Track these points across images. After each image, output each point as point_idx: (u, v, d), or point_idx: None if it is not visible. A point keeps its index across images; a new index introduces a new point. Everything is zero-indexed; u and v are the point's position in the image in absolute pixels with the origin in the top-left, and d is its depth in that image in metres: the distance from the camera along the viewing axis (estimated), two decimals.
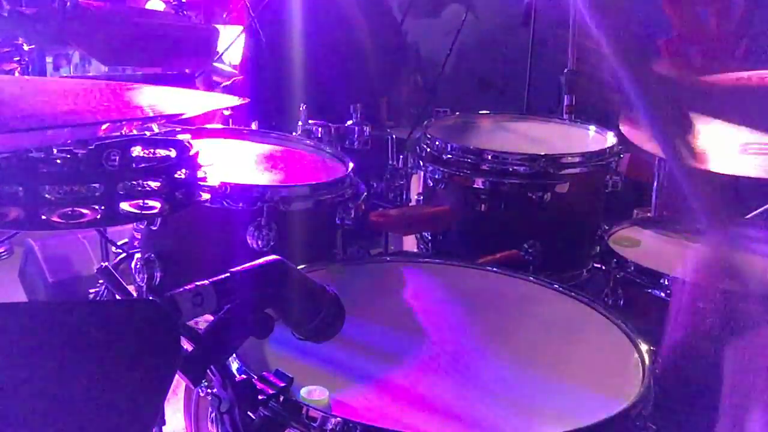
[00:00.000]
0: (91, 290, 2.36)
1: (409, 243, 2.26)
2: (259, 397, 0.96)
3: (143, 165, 1.15)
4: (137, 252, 1.73)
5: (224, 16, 3.32)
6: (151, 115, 1.01)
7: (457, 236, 1.93)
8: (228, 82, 2.81)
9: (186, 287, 0.88)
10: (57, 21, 1.83)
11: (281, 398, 0.98)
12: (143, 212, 1.11)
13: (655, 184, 2.22)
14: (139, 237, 1.77)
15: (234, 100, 1.13)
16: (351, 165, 1.77)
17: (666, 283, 1.53)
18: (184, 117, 1.13)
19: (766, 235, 1.79)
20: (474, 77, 4.10)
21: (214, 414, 0.95)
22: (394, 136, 2.09)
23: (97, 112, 0.92)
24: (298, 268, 1.34)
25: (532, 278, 1.48)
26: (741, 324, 1.44)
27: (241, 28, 2.92)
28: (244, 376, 0.98)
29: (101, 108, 0.94)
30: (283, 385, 0.98)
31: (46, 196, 1.05)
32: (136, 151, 1.16)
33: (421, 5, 4.01)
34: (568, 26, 2.64)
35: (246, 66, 2.84)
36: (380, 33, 3.31)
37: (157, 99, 1.08)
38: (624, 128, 1.75)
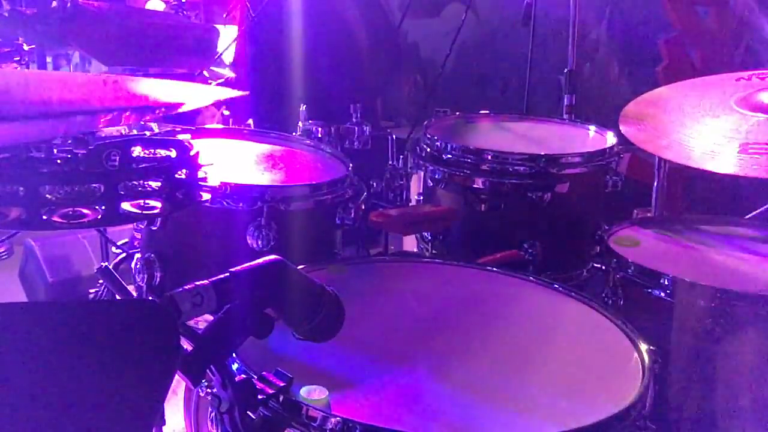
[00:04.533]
0: (91, 290, 2.36)
1: (409, 243, 2.26)
2: (259, 397, 0.96)
3: (143, 165, 1.15)
4: (137, 252, 1.73)
5: (224, 16, 3.32)
6: (154, 104, 1.01)
7: (457, 236, 1.93)
8: (221, 80, 2.81)
9: (186, 287, 0.88)
10: (57, 21, 1.82)
11: (281, 398, 0.98)
12: (144, 212, 1.11)
13: (655, 184, 2.22)
14: (139, 237, 1.77)
15: (233, 93, 1.13)
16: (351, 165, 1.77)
17: (666, 283, 1.53)
18: (185, 108, 1.13)
19: (766, 235, 1.79)
20: (474, 77, 4.11)
21: (214, 414, 0.95)
22: (394, 136, 2.10)
23: (103, 100, 0.92)
24: (298, 268, 1.34)
25: (532, 278, 1.48)
26: (739, 324, 1.44)
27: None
28: (243, 376, 0.98)
29: (106, 97, 0.94)
30: (282, 384, 0.98)
31: (47, 196, 1.05)
32: (137, 151, 1.16)
33: (421, 5, 4.01)
34: (569, 26, 2.63)
35: (239, 64, 2.84)
36: (377, 33, 3.31)
37: (157, 91, 1.08)
38: (624, 128, 1.75)
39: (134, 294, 1.60)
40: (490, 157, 1.84)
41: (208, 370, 0.91)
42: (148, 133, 1.61)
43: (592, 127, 2.16)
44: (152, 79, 1.15)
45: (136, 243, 1.91)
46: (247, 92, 1.15)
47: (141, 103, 0.98)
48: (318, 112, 2.13)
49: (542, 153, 1.83)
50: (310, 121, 2.07)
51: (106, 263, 2.26)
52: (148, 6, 3.22)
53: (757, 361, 1.34)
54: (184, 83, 1.17)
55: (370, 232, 1.93)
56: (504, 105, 3.88)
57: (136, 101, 0.97)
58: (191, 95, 1.12)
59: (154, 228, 1.61)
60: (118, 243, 2.24)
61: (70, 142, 1.06)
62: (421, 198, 2.08)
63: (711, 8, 3.11)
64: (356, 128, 2.08)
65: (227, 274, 0.92)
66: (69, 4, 1.83)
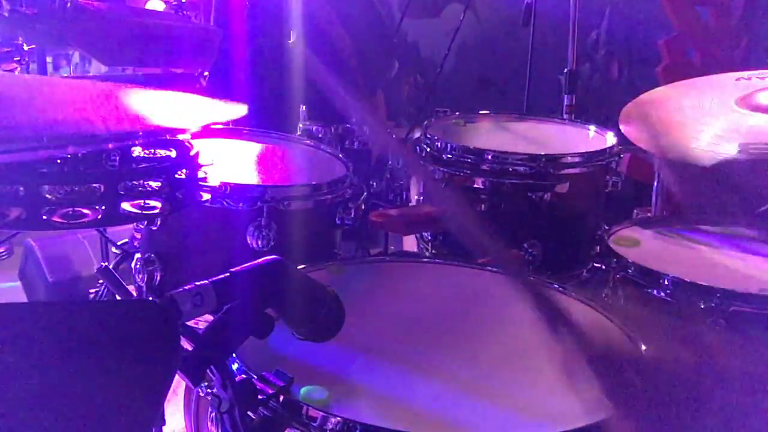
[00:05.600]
0: (91, 290, 2.36)
1: (409, 243, 2.26)
2: (259, 397, 0.96)
3: (144, 165, 1.15)
4: (137, 252, 1.74)
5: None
6: (156, 129, 1.01)
7: (457, 236, 1.93)
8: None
9: (186, 287, 0.88)
10: (57, 21, 1.82)
11: (281, 398, 0.98)
12: (144, 212, 1.11)
13: (655, 184, 2.22)
14: (139, 237, 1.77)
15: (236, 110, 1.13)
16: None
17: (666, 283, 1.53)
18: (189, 132, 1.13)
19: (766, 235, 1.79)
20: (474, 77, 4.11)
21: (214, 414, 0.95)
22: (394, 137, 2.10)
23: (105, 122, 0.92)
24: (298, 268, 1.34)
25: (532, 278, 1.48)
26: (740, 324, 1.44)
27: None
28: (243, 376, 0.98)
29: (107, 117, 0.95)
30: (282, 384, 0.98)
31: (47, 196, 1.05)
32: (137, 151, 1.16)
33: (421, 5, 4.01)
34: (568, 26, 2.63)
35: (239, 64, 2.83)
36: (372, 32, 3.31)
37: (157, 108, 1.08)
38: (624, 128, 1.75)
39: (134, 294, 1.60)
40: (490, 157, 1.84)
41: (208, 370, 0.91)
42: None
43: (592, 127, 2.16)
44: (151, 93, 1.15)
45: (136, 243, 1.90)
46: (246, 105, 1.15)
47: (142, 127, 0.98)
48: (318, 112, 2.13)
49: (542, 153, 1.83)
50: (309, 121, 2.07)
51: (106, 263, 2.26)
52: (148, 6, 3.21)
53: (757, 361, 1.34)
54: (184, 96, 1.17)
55: (370, 232, 1.93)
56: (504, 105, 3.88)
57: (137, 124, 0.97)
58: (191, 116, 1.12)
59: (154, 228, 1.61)
60: (118, 243, 2.24)
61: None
62: (421, 198, 2.08)
63: (711, 8, 3.11)
64: (356, 128, 2.08)
65: (227, 273, 0.92)
66: (69, 4, 1.83)
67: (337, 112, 2.17)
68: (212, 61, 2.40)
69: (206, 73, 2.58)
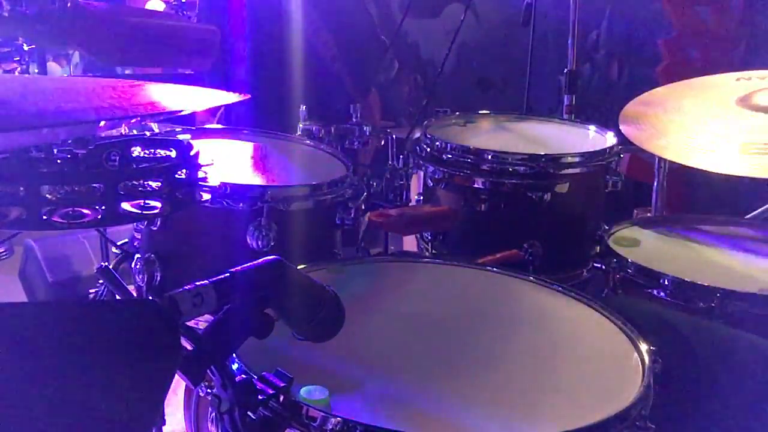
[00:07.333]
0: (91, 290, 2.35)
1: (409, 243, 2.26)
2: (259, 397, 0.96)
3: (144, 165, 1.15)
4: (137, 252, 1.73)
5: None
6: (153, 109, 1.00)
7: (457, 236, 1.93)
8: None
9: (186, 287, 0.88)
10: (57, 21, 1.82)
11: (281, 398, 0.98)
12: (144, 212, 1.12)
13: (655, 184, 2.22)
14: (139, 237, 1.77)
15: (234, 97, 1.13)
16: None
17: (666, 283, 1.53)
18: (184, 113, 1.13)
19: (767, 235, 1.79)
20: (474, 77, 4.11)
21: (214, 414, 0.95)
22: (394, 136, 2.10)
23: (100, 109, 0.92)
24: (298, 268, 1.34)
25: (532, 278, 1.48)
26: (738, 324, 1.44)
27: None
28: (243, 376, 0.98)
29: (104, 105, 0.94)
30: (283, 385, 0.98)
31: (47, 196, 1.05)
32: (137, 151, 1.16)
33: (421, 5, 4.01)
34: (569, 26, 2.63)
35: (239, 64, 2.83)
36: (354, 34, 3.31)
37: (158, 96, 1.08)
38: (624, 128, 1.75)
39: (134, 294, 1.60)
40: (490, 157, 1.84)
41: (208, 370, 0.91)
42: (148, 133, 1.61)
43: (592, 127, 2.16)
44: (151, 84, 1.15)
45: (136, 243, 1.90)
46: (248, 95, 1.15)
47: (141, 110, 0.98)
48: (318, 112, 2.13)
49: (542, 153, 1.83)
50: (309, 121, 2.07)
51: (106, 263, 2.26)
52: (148, 6, 3.22)
53: (756, 362, 1.34)
54: (185, 87, 1.17)
55: (370, 232, 1.93)
56: (504, 105, 3.88)
57: (136, 107, 0.97)
58: (190, 99, 1.12)
59: (154, 228, 1.61)
60: (118, 243, 2.24)
61: (70, 142, 1.06)
62: (421, 198, 2.08)
63: (711, 8, 3.11)
64: (356, 128, 2.08)
65: (227, 274, 0.92)
66: (69, 4, 1.83)
67: (337, 111, 2.17)
68: (212, 61, 2.40)
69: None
